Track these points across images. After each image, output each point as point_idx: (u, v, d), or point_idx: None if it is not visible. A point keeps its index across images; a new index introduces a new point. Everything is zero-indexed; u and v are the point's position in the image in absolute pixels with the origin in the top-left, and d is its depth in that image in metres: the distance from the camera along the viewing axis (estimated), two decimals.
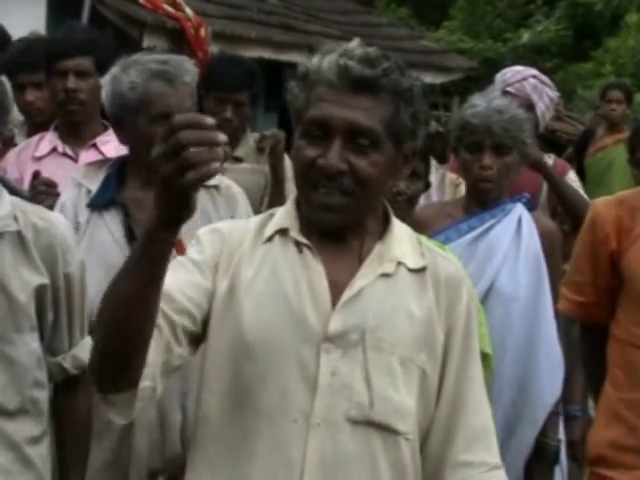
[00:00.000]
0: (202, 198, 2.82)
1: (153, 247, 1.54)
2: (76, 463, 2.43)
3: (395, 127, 1.77)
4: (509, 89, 4.08)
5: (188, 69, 2.77)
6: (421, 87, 1.83)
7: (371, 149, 1.76)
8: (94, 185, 2.81)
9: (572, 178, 4.39)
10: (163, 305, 1.69)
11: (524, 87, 4.09)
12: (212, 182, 2.88)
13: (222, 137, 1.44)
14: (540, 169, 3.94)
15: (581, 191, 4.27)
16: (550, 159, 4.57)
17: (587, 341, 2.81)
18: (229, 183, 2.93)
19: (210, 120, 1.45)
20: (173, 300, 1.72)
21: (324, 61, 1.78)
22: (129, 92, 2.73)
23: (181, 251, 1.54)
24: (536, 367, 3.06)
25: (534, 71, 4.22)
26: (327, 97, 1.76)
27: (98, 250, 2.73)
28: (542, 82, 4.17)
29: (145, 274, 1.57)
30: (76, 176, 2.90)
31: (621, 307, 2.62)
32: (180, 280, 1.75)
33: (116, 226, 2.75)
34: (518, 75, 4.15)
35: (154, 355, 1.68)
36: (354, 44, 1.79)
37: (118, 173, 2.83)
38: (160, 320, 1.69)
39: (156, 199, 1.51)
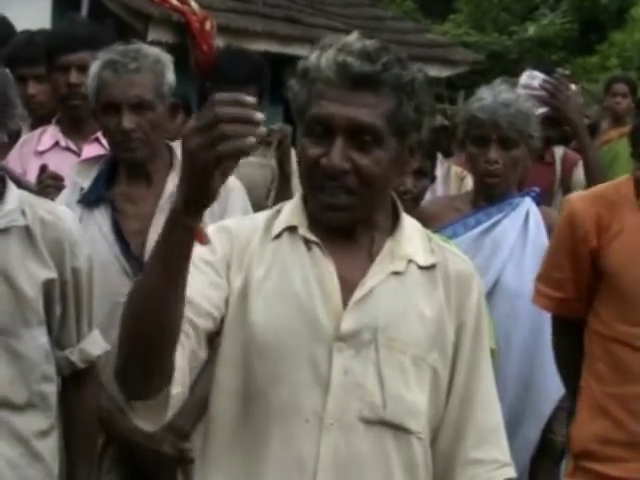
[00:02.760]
0: None
1: (175, 234, 1.52)
2: (84, 457, 2.43)
3: (398, 121, 1.75)
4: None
5: (140, 56, 2.73)
6: (424, 78, 1.80)
7: (374, 146, 1.74)
8: (87, 182, 2.82)
9: (581, 172, 4.42)
10: (188, 312, 1.67)
11: None
12: None
13: (259, 116, 1.44)
14: (575, 131, 4.04)
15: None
16: (560, 150, 4.59)
17: (564, 336, 2.80)
18: None
19: (250, 99, 1.45)
20: (194, 304, 1.71)
21: (322, 58, 1.74)
22: (90, 83, 2.77)
23: (202, 241, 1.53)
24: (541, 362, 3.05)
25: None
26: (327, 95, 1.73)
27: (92, 247, 2.73)
28: None
29: (168, 265, 1.54)
30: (72, 173, 2.91)
31: (602, 303, 2.61)
32: (198, 282, 1.72)
33: (104, 221, 2.75)
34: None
35: (183, 361, 1.66)
36: (352, 38, 1.76)
37: (110, 169, 2.83)
38: (186, 326, 1.67)
39: (180, 180, 1.50)
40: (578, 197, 2.69)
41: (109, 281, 2.69)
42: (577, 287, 2.66)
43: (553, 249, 2.73)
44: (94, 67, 2.76)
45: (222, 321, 1.78)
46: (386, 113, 1.74)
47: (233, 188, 2.83)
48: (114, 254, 2.72)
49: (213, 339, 1.79)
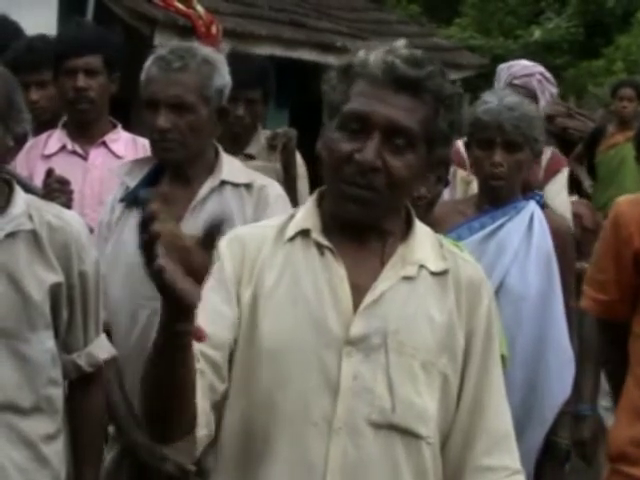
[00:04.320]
0: (226, 196, 2.74)
1: (168, 339, 1.54)
2: (91, 460, 2.44)
3: (431, 131, 1.77)
4: (516, 82, 4.25)
5: (188, 55, 2.66)
6: (461, 96, 1.83)
7: (407, 150, 1.75)
8: (134, 182, 2.79)
9: (562, 178, 4.44)
10: (202, 346, 1.69)
11: (531, 81, 4.28)
12: (243, 180, 2.76)
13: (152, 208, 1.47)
14: None
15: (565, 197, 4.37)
16: (548, 151, 4.60)
17: (608, 339, 2.81)
18: (266, 184, 2.79)
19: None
20: (210, 337, 1.71)
21: (370, 56, 1.77)
22: (141, 76, 2.72)
23: (199, 338, 1.56)
24: (546, 366, 3.06)
25: (541, 68, 4.47)
26: (368, 92, 1.75)
27: (122, 246, 2.74)
28: (547, 79, 4.41)
29: (168, 363, 1.56)
30: (120, 172, 2.86)
31: None
32: (210, 309, 1.74)
33: (137, 223, 2.74)
34: (526, 70, 4.41)
35: (203, 402, 1.68)
36: (400, 44, 1.78)
37: (157, 170, 2.79)
38: (202, 364, 1.70)
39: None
40: (625, 200, 2.71)
41: (134, 283, 2.68)
42: (620, 289, 2.66)
43: (598, 251, 2.75)
44: (147, 61, 2.71)
45: (237, 338, 1.79)
46: (423, 120, 1.75)
47: (271, 199, 2.75)
48: (140, 256, 2.70)
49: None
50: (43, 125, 3.68)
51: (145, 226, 1.44)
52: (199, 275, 1.47)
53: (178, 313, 1.49)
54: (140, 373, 1.65)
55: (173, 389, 1.60)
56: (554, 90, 4.47)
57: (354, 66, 1.77)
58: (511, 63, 4.54)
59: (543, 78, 4.37)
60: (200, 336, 1.54)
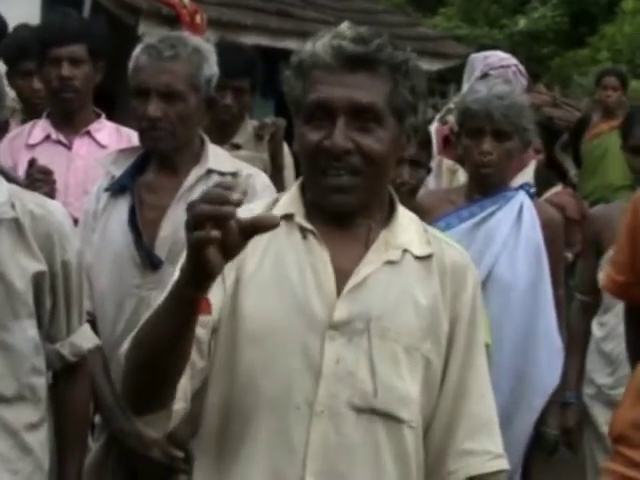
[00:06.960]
0: (211, 184, 2.76)
1: (174, 305, 1.56)
2: (75, 450, 2.42)
3: (396, 102, 1.78)
4: (493, 72, 4.30)
5: (179, 44, 2.67)
6: (416, 62, 1.83)
7: (375, 125, 1.76)
8: (119, 171, 2.78)
9: (529, 172, 4.48)
10: None
11: (507, 73, 4.35)
12: (230, 169, 2.78)
13: (231, 210, 1.44)
14: None
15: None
16: None
17: (630, 322, 2.84)
18: (252, 173, 2.81)
19: (235, 196, 1.45)
20: None
21: (317, 45, 1.78)
22: (130, 65, 2.72)
23: (204, 311, 1.58)
24: (535, 355, 3.06)
25: (515, 60, 4.58)
26: (324, 79, 1.76)
27: (109, 235, 2.74)
28: (520, 72, 4.53)
29: (168, 333, 1.58)
30: (105, 161, 2.86)
31: None
32: None
33: (124, 210, 2.74)
34: (503, 61, 4.48)
35: (183, 378, 1.70)
36: (344, 26, 1.79)
37: (142, 159, 2.79)
38: None
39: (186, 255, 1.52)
40: None
41: (121, 271, 2.69)
42: (635, 272, 2.68)
43: (619, 233, 2.77)
44: (135, 50, 2.71)
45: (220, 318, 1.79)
46: (384, 94, 1.76)
47: (258, 189, 2.75)
48: (127, 243, 2.71)
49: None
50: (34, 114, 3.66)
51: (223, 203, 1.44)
52: (228, 252, 1.48)
53: (196, 277, 1.50)
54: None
55: (169, 352, 1.60)
56: (525, 83, 4.57)
57: (305, 60, 1.78)
58: (486, 54, 4.61)
59: (517, 70, 4.46)
60: (206, 309, 1.56)
